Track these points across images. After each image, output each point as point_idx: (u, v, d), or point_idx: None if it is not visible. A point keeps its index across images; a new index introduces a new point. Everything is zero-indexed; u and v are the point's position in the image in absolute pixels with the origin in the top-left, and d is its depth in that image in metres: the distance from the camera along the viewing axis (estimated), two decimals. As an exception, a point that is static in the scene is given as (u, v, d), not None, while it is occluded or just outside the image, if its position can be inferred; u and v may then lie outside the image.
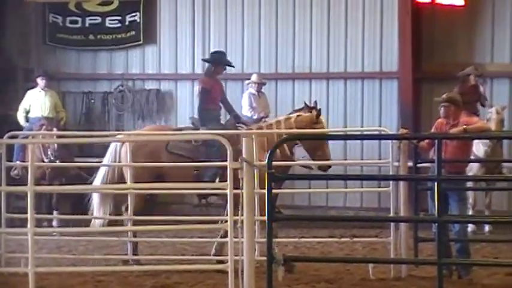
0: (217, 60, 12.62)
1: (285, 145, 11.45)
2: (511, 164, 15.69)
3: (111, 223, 11.44)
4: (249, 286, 7.41)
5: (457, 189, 10.44)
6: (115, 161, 11.95)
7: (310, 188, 16.10)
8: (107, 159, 12.11)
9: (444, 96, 10.84)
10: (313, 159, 11.56)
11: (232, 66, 13.11)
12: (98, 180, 11.93)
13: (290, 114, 12.37)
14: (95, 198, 11.91)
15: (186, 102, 18.27)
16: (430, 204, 10.33)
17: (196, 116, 12.57)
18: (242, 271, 7.56)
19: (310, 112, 12.09)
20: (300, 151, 15.42)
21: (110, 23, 18.46)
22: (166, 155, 11.86)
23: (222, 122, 12.55)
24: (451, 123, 10.58)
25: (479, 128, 10.60)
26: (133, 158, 11.47)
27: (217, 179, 11.41)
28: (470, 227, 14.00)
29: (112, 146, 12.09)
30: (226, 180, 7.78)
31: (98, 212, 11.83)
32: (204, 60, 13.05)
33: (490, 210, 14.89)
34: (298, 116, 12.03)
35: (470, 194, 14.28)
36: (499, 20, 16.64)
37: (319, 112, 12.00)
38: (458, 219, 10.40)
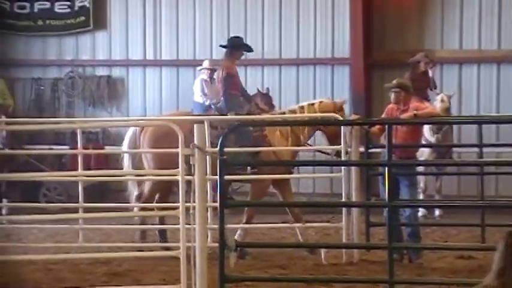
0: (236, 45, 12.53)
1: (305, 131, 11.39)
2: (461, 149, 15.87)
3: (62, 211, 11.34)
4: (201, 272, 7.40)
5: (407, 174, 10.54)
6: (134, 147, 11.82)
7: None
8: (125, 145, 11.96)
9: (394, 82, 10.92)
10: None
11: (251, 51, 13.03)
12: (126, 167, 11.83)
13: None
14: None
15: (138, 88, 18.17)
16: (381, 189, 10.41)
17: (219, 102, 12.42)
18: (195, 258, 7.55)
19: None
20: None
21: (59, 8, 18.25)
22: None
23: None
24: (402, 108, 10.66)
25: (429, 113, 10.71)
26: (159, 145, 11.14)
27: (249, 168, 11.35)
28: (421, 212, 14.13)
29: (131, 131, 11.89)
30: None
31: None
32: (221, 46, 12.90)
33: (440, 195, 15.04)
34: (321, 102, 12.03)
35: (421, 179, 14.41)
36: (449, 6, 16.78)
37: (343, 101, 12.27)
38: (408, 203, 10.52)
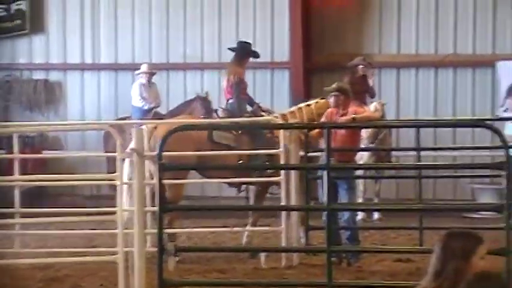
0: (245, 51, 12.76)
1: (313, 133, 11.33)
2: (399, 153, 16.02)
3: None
4: (140, 277, 7.35)
5: (345, 178, 10.59)
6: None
7: (202, 178, 16.07)
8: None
9: (334, 85, 10.98)
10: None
11: (258, 57, 13.19)
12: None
13: None
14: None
15: (76, 92, 17.99)
16: (320, 193, 10.46)
17: (226, 106, 12.55)
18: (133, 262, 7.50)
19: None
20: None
21: (-5, 12, 18.00)
22: (210, 145, 11.64)
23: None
24: (341, 112, 10.72)
25: (367, 117, 10.79)
26: (177, 149, 10.91)
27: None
28: (360, 215, 14.22)
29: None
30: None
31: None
32: (230, 49, 13.05)
33: (379, 198, 15.16)
34: (316, 102, 12.10)
35: (360, 182, 14.52)
36: (386, 11, 16.96)
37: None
38: (347, 207, 10.57)
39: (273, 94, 17.31)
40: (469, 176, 14.90)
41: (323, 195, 10.15)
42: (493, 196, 14.60)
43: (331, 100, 10.86)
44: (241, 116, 12.17)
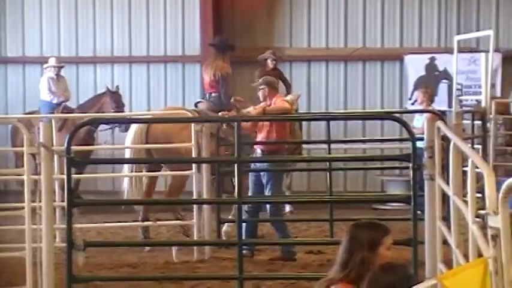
0: (226, 45, 13.11)
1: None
2: (310, 146, 16.16)
3: None
4: (48, 273, 7.24)
5: (268, 170, 10.61)
6: (142, 143, 11.84)
7: (113, 173, 15.96)
8: (129, 140, 11.91)
9: (260, 80, 11.11)
10: None
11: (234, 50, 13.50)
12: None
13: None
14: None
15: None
16: (251, 185, 10.59)
17: (209, 99, 12.72)
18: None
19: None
20: (103, 135, 15.28)
21: None
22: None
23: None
24: (268, 103, 10.84)
25: (278, 108, 10.84)
26: (175, 140, 11.33)
27: None
28: (288, 207, 14.29)
29: (135, 127, 11.89)
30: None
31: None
32: (211, 45, 13.29)
33: (290, 191, 15.25)
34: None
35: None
36: (297, 6, 17.06)
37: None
38: (257, 200, 10.61)
39: (185, 88, 17.25)
40: (379, 168, 15.15)
41: (254, 188, 10.34)
42: (402, 188, 14.84)
43: (260, 94, 10.94)
44: (228, 110, 12.30)
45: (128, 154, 12.20)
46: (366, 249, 4.49)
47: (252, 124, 10.81)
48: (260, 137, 10.87)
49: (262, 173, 10.62)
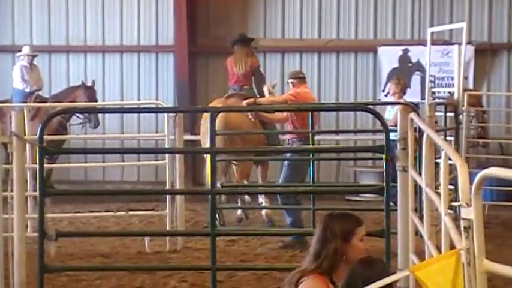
0: (248, 40, 13.60)
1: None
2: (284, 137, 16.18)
3: None
4: (20, 263, 7.20)
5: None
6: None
7: (86, 163, 15.92)
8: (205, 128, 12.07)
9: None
10: None
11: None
12: None
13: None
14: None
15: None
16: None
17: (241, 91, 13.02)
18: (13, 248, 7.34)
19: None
20: (76, 127, 15.19)
21: None
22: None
23: None
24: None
25: (270, 100, 11.23)
26: (241, 128, 12.08)
27: None
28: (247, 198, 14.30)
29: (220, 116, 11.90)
30: None
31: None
32: (236, 41, 13.47)
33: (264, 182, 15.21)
34: None
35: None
36: (271, -4, 17.06)
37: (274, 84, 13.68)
38: (231, 190, 10.61)
39: (158, 78, 17.22)
40: (352, 159, 15.19)
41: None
42: (375, 179, 14.90)
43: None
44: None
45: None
46: (339, 240, 4.51)
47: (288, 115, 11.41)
48: (289, 127, 11.61)
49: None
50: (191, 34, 16.87)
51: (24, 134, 8.37)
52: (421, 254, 5.63)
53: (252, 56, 13.38)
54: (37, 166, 7.05)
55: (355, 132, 16.03)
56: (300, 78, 11.55)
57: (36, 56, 15.50)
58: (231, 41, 13.73)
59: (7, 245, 7.42)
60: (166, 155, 11.17)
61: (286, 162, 11.29)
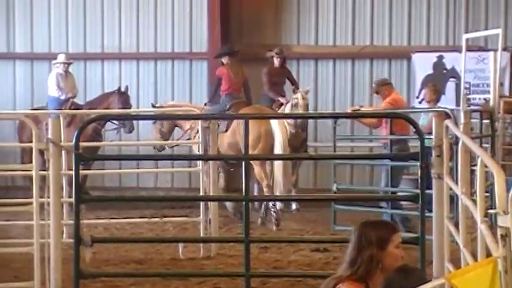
0: (235, 51, 14.79)
1: None
2: (318, 143, 16.19)
3: None
4: (56, 269, 7.26)
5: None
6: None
7: (120, 169, 16.00)
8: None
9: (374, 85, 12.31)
10: None
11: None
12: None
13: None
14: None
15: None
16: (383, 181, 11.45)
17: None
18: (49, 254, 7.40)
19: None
20: (110, 132, 15.28)
21: None
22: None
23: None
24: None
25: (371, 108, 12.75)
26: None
27: None
28: (278, 205, 14.29)
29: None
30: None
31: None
32: (228, 53, 14.58)
33: (296, 189, 15.22)
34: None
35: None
36: (305, 2, 17.05)
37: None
38: (264, 198, 10.61)
39: (192, 85, 17.27)
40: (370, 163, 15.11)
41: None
42: (409, 186, 14.81)
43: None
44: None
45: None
46: (374, 247, 4.50)
47: (379, 120, 11.77)
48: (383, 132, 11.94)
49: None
50: (224, 41, 16.90)
51: (60, 141, 8.43)
52: (456, 262, 5.60)
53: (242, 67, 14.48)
54: (73, 172, 7.10)
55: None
56: (388, 84, 11.79)
57: (71, 63, 15.62)
58: (219, 53, 14.72)
59: (44, 251, 7.49)
60: (200, 161, 11.19)
61: (384, 168, 11.42)
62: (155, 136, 14.73)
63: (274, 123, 12.94)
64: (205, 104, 14.53)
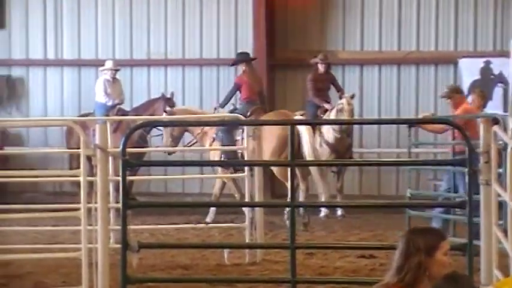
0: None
1: None
2: (362, 149, 16.12)
3: None
4: (103, 274, 7.32)
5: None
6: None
7: (166, 175, 16.07)
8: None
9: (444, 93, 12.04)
10: None
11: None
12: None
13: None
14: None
15: (38, 88, 17.86)
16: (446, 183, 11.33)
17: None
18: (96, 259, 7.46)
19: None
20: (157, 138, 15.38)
21: (-44, 8, 17.81)
22: None
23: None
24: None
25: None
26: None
27: None
28: (323, 211, 14.28)
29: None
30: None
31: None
32: (246, 59, 14.83)
33: (341, 195, 15.18)
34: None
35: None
36: (350, 8, 17.01)
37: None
38: (309, 204, 10.60)
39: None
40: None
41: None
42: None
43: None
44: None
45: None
46: (422, 254, 4.47)
47: (442, 127, 11.63)
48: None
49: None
50: (270, 47, 16.94)
51: (107, 147, 8.49)
52: (505, 270, 5.55)
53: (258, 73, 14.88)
54: (119, 178, 7.15)
55: (435, 144, 15.82)
56: (461, 93, 11.84)
57: (118, 70, 15.75)
58: (235, 60, 14.93)
59: (91, 256, 7.55)
60: (246, 167, 11.21)
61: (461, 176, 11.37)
62: (166, 140, 14.72)
63: (301, 128, 12.86)
64: (215, 109, 14.52)
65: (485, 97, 12.09)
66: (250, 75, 14.44)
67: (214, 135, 14.16)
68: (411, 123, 12.51)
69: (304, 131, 13.04)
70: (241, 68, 14.68)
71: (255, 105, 14.24)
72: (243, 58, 14.78)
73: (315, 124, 13.21)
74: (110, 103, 15.31)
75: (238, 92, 14.51)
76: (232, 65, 15.19)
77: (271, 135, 12.95)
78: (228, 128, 13.72)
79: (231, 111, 14.06)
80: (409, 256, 4.49)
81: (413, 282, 4.48)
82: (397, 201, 14.06)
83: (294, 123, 8.91)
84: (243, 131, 12.74)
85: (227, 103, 14.61)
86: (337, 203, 14.62)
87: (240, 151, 13.07)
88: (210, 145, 13.98)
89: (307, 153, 12.96)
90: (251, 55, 17.01)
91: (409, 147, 12.21)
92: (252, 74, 14.51)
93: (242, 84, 14.36)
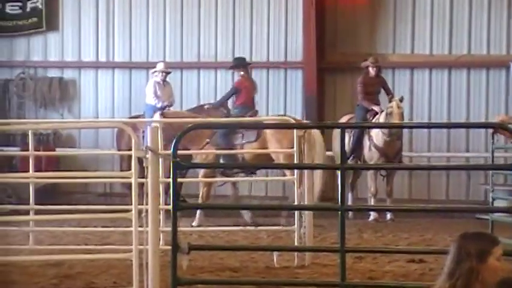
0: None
1: None
2: (412, 153, 16.02)
3: (13, 213, 11.20)
4: (154, 275, 7.37)
5: None
6: None
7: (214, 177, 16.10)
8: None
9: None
10: None
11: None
12: None
13: None
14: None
15: (90, 90, 18.04)
16: None
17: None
18: (147, 260, 7.52)
19: None
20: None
21: (10, 9, 18.07)
22: None
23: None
24: None
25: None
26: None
27: None
28: (372, 215, 14.22)
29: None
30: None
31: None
32: (244, 64, 15.00)
33: (391, 199, 15.11)
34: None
35: (371, 183, 14.57)
36: (401, 11, 16.93)
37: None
38: (359, 207, 10.58)
39: (286, 94, 17.32)
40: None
41: None
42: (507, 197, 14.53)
43: None
44: None
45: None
46: (474, 259, 4.43)
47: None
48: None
49: None
50: (320, 50, 16.92)
51: (158, 149, 8.55)
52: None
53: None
54: (170, 180, 7.19)
55: (487, 150, 15.67)
56: None
57: (169, 73, 15.83)
58: (232, 65, 15.04)
59: (142, 257, 7.61)
60: (295, 170, 11.21)
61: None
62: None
63: (315, 131, 12.65)
64: (206, 108, 14.71)
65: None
66: (248, 81, 14.67)
67: (208, 139, 14.14)
68: (464, 127, 12.45)
69: (318, 134, 12.93)
70: (239, 72, 14.83)
71: (250, 110, 14.40)
72: (239, 63, 14.95)
73: (366, 127, 13.11)
74: (159, 105, 15.40)
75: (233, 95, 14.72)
76: (231, 68, 15.27)
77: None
78: (226, 132, 13.83)
79: (226, 116, 14.20)
80: (460, 261, 4.45)
81: (465, 287, 4.45)
82: (446, 206, 13.98)
83: (345, 127, 8.91)
84: (242, 136, 12.99)
85: (222, 104, 14.72)
86: (386, 207, 14.55)
87: (240, 155, 13.43)
88: (201, 149, 13.97)
89: (319, 156, 12.81)
90: (301, 59, 17.06)
91: (492, 151, 12.06)
92: (249, 79, 14.76)
93: (242, 89, 14.52)
